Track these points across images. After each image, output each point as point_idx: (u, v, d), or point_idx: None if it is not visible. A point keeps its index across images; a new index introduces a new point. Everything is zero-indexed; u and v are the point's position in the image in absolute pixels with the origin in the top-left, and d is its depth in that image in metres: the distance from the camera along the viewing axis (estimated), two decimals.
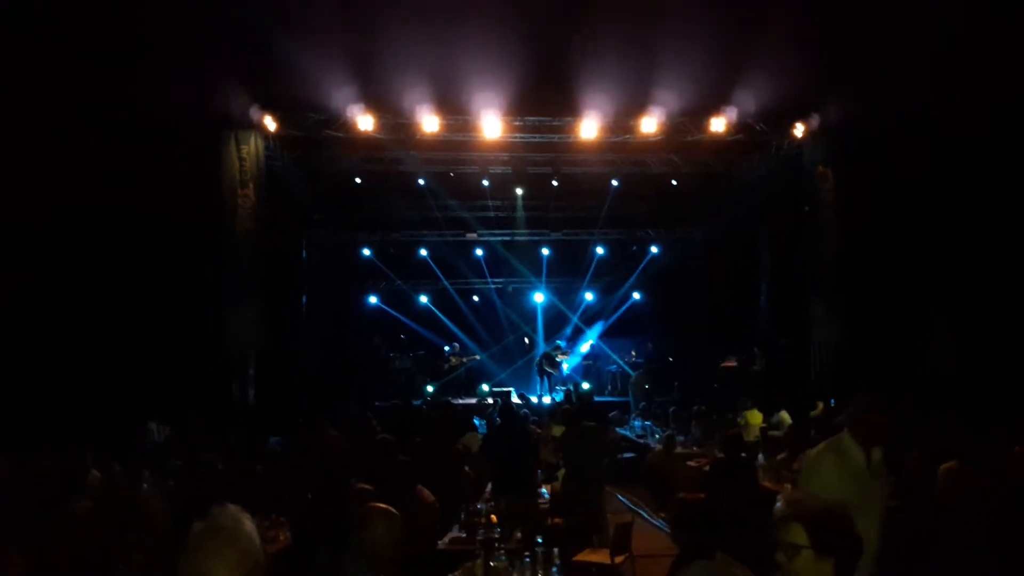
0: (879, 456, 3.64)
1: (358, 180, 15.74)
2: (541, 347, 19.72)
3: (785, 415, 10.99)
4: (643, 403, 15.01)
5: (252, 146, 12.58)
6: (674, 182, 16.02)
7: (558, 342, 18.57)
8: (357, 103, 12.34)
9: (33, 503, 5.20)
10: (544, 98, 12.44)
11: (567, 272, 20.38)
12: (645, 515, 9.44)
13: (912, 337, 11.92)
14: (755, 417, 11.10)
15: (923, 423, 6.94)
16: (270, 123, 12.62)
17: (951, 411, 7.62)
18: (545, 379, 17.69)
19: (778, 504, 2.78)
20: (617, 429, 12.96)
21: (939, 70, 9.90)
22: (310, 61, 10.80)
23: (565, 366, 18.17)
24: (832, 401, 11.63)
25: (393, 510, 3.18)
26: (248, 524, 2.08)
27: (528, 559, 4.12)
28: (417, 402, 15.71)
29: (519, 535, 4.78)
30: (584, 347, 20.07)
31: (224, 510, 2.08)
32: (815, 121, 13.10)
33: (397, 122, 12.95)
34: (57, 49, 9.29)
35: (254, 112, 12.39)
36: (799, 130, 13.26)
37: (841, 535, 2.63)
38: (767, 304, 16.19)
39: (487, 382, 18.35)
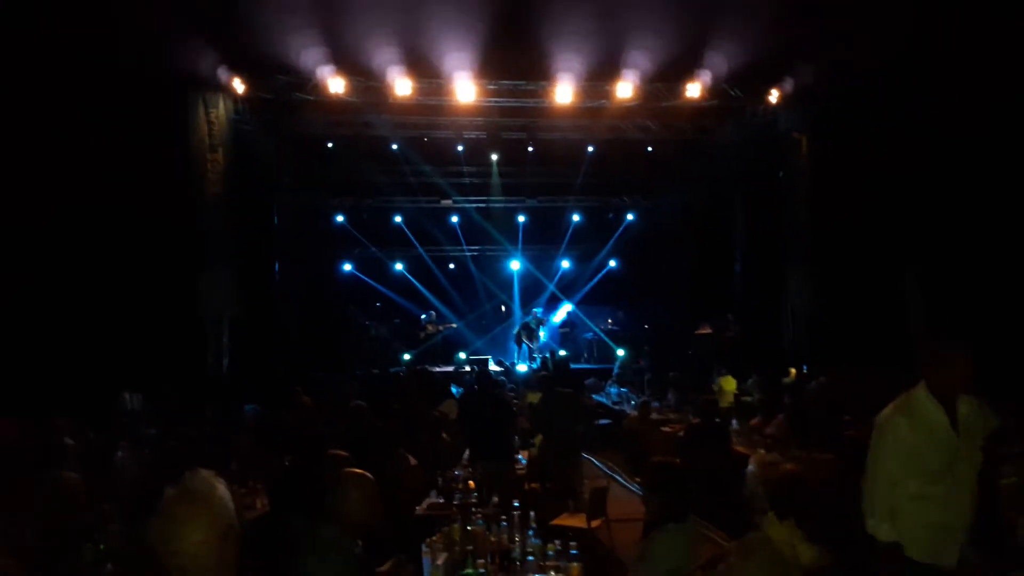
0: (968, 408, 3.07)
1: (330, 144, 15.51)
2: (518, 314, 19.74)
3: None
4: (618, 371, 15.09)
5: (220, 109, 12.33)
6: (650, 148, 15.99)
7: (535, 310, 18.62)
8: (328, 65, 12.09)
9: (5, 470, 5.13)
10: (518, 62, 12.28)
11: (543, 239, 20.35)
12: (620, 480, 9.55)
13: (886, 303, 12.07)
14: (729, 383, 11.24)
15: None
16: (239, 85, 12.33)
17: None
18: (524, 346, 17.75)
19: (750, 468, 2.83)
20: (593, 396, 13.07)
21: (914, 34, 9.90)
22: (279, 21, 10.55)
23: (542, 334, 18.24)
24: (805, 367, 11.80)
25: (368, 475, 3.17)
26: (221, 489, 2.06)
27: (505, 523, 4.15)
28: (394, 370, 15.71)
29: (496, 500, 4.80)
30: (560, 314, 20.13)
31: (197, 475, 2.06)
32: (789, 86, 13.08)
33: (369, 85, 12.71)
34: (16, 9, 8.97)
35: (222, 73, 12.09)
36: (774, 96, 13.25)
37: (796, 500, 2.68)
38: (742, 271, 16.32)
39: (464, 350, 18.38)
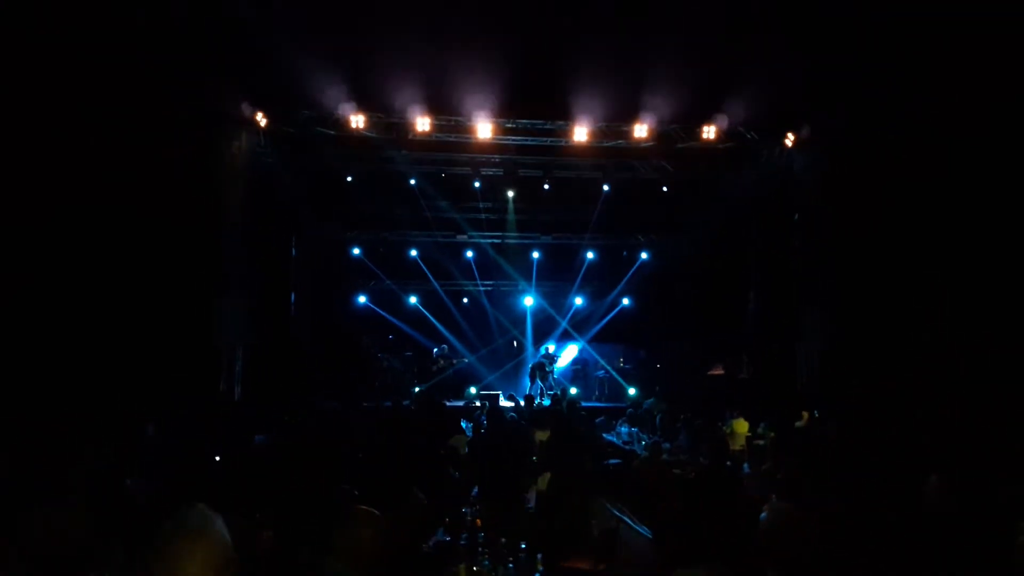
0: None
1: (349, 178, 15.69)
2: (530, 351, 19.68)
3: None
4: (631, 409, 14.96)
5: (243, 141, 12.56)
6: (665, 188, 16.06)
7: (548, 343, 18.56)
8: (349, 101, 12.31)
9: (16, 493, 5.13)
10: (537, 101, 12.47)
11: (557, 276, 20.35)
12: (629, 522, 9.41)
13: (902, 347, 11.95)
14: (741, 426, 11.11)
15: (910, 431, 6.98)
16: (261, 119, 12.57)
17: (941, 420, 7.67)
18: (537, 382, 17.68)
19: (763, 515, 2.79)
20: (603, 435, 12.94)
21: (931, 78, 9.96)
22: (303, 58, 10.77)
23: (559, 364, 18.23)
24: (816, 412, 11.66)
25: (376, 512, 3.16)
26: (218, 524, 2.07)
27: (511, 564, 4.10)
28: (406, 403, 15.67)
29: (503, 540, 4.75)
30: (571, 351, 20.06)
31: (192, 509, 2.07)
32: (805, 132, 13.16)
33: (389, 121, 12.93)
34: (51, 45, 9.21)
35: (245, 108, 12.35)
36: (789, 140, 13.32)
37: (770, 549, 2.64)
38: (755, 312, 16.23)
39: (475, 384, 18.31)
